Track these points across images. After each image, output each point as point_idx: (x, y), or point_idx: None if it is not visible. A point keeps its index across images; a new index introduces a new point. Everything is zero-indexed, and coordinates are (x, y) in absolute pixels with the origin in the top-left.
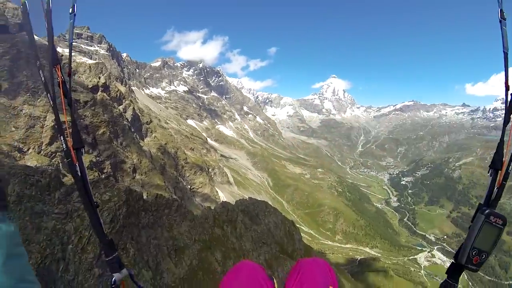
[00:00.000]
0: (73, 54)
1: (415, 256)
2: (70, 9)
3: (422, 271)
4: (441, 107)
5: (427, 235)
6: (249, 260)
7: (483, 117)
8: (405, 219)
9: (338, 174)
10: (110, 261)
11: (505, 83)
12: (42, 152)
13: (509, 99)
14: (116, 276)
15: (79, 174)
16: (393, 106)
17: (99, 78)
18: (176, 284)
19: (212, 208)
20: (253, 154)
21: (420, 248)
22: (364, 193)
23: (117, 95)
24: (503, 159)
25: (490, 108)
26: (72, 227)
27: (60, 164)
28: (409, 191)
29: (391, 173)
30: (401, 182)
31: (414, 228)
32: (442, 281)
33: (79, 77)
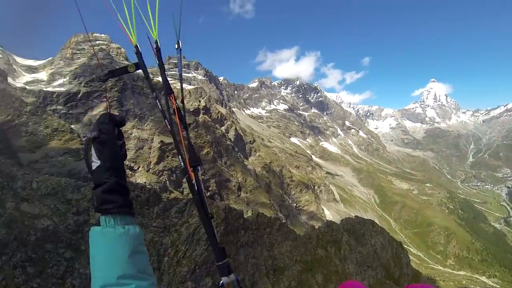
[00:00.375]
0: (173, 82)
1: None
2: (176, 45)
3: None
4: None
5: None
6: (355, 281)
7: None
8: None
9: (448, 189)
10: (221, 266)
11: None
12: (150, 171)
13: None
14: (224, 279)
15: (196, 188)
16: (504, 106)
17: (199, 101)
18: None
19: (317, 227)
20: (359, 170)
21: None
22: (478, 210)
23: (218, 116)
24: None
25: None
26: (169, 240)
27: (167, 181)
28: None
29: (510, 186)
30: None
31: None
32: None
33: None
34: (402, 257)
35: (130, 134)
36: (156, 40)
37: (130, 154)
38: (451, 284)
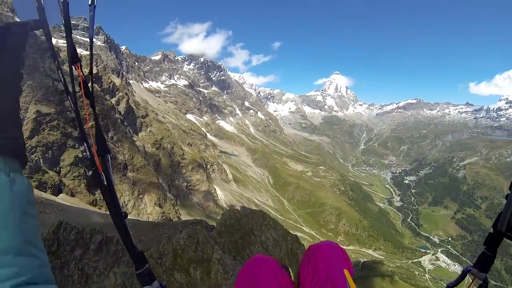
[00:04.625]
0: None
1: (419, 259)
2: (90, 0)
3: (426, 275)
4: (445, 106)
5: (431, 237)
6: (261, 254)
7: (487, 116)
8: (408, 220)
9: (340, 172)
10: (141, 274)
11: None
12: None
13: None
14: None
15: (106, 183)
16: (396, 104)
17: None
18: None
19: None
20: (254, 150)
21: (424, 251)
22: (366, 192)
23: (109, 86)
24: None
25: (494, 108)
26: None
27: (41, 159)
28: (412, 190)
29: (394, 171)
30: (404, 181)
31: (418, 229)
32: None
33: (67, 67)
34: (299, 253)
35: None
36: None
37: None
38: None
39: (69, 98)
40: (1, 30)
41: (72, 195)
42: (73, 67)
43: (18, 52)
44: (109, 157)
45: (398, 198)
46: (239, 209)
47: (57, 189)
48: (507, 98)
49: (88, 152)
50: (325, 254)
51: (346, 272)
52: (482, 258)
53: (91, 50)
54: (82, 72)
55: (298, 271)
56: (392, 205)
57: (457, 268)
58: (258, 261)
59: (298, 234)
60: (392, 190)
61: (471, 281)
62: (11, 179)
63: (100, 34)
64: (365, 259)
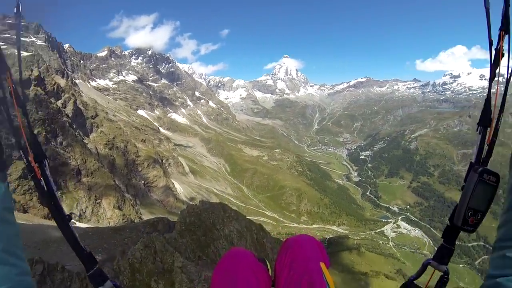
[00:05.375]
0: (4, 47)
1: (382, 229)
2: (15, 8)
3: (390, 243)
4: (393, 83)
5: (390, 207)
6: (238, 247)
7: (434, 91)
8: (367, 193)
9: (297, 154)
10: (92, 275)
11: (488, 38)
12: None
13: (493, 54)
14: None
15: (46, 188)
16: (347, 83)
17: (31, 71)
18: None
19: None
20: (208, 140)
21: (385, 220)
22: (324, 170)
23: (54, 88)
24: (491, 115)
25: (439, 83)
26: None
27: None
28: (369, 165)
29: (349, 148)
30: (360, 157)
31: (378, 201)
32: (438, 246)
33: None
34: (265, 242)
35: None
36: None
37: None
38: None
39: (2, 109)
40: None
41: (25, 211)
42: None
43: None
44: (47, 162)
45: (356, 174)
46: (197, 204)
47: None
48: (451, 73)
49: (25, 158)
50: (301, 247)
51: (322, 265)
52: (441, 251)
53: (19, 58)
54: (12, 80)
55: (275, 264)
56: (351, 181)
57: (417, 233)
58: (234, 255)
59: (262, 219)
60: (349, 166)
61: (431, 274)
62: None
63: (40, 32)
64: (331, 236)
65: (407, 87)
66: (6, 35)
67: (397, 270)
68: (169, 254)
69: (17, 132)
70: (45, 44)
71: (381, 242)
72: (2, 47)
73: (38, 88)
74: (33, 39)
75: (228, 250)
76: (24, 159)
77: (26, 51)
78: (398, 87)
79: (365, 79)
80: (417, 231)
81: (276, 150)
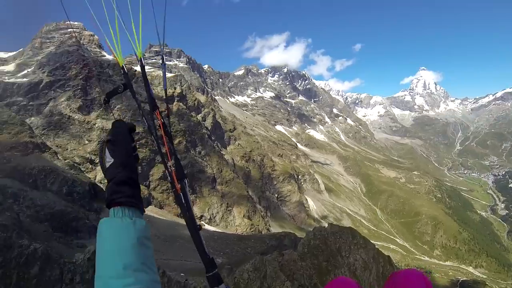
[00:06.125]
0: (152, 70)
1: None
2: (161, 60)
3: None
4: None
5: None
6: (344, 276)
7: None
8: None
9: (436, 177)
10: (211, 277)
11: None
12: None
13: None
14: None
15: (183, 202)
16: (493, 95)
17: (175, 89)
18: None
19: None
20: (345, 158)
21: None
22: (465, 198)
23: (194, 104)
24: None
25: None
26: None
27: None
28: None
29: (496, 174)
30: (509, 185)
31: None
32: None
33: (154, 88)
34: None
35: (94, 124)
36: (141, 58)
37: (92, 146)
38: (437, 275)
39: (154, 139)
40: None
41: (161, 207)
42: (153, 113)
43: (126, 141)
44: (186, 181)
45: (503, 206)
46: (325, 226)
47: (146, 202)
48: None
49: (169, 177)
50: (409, 285)
51: None
52: None
53: (166, 98)
54: (161, 115)
55: None
56: (496, 214)
57: None
58: (339, 285)
59: (391, 246)
60: (495, 196)
61: None
62: (133, 220)
63: (182, 56)
64: (465, 278)
65: None
66: (153, 60)
67: None
68: (279, 282)
69: (164, 156)
70: (186, 66)
71: None
72: (150, 70)
73: (181, 104)
74: (176, 62)
75: (335, 278)
76: (169, 177)
77: (170, 72)
78: None
79: None
80: None
81: (415, 172)
